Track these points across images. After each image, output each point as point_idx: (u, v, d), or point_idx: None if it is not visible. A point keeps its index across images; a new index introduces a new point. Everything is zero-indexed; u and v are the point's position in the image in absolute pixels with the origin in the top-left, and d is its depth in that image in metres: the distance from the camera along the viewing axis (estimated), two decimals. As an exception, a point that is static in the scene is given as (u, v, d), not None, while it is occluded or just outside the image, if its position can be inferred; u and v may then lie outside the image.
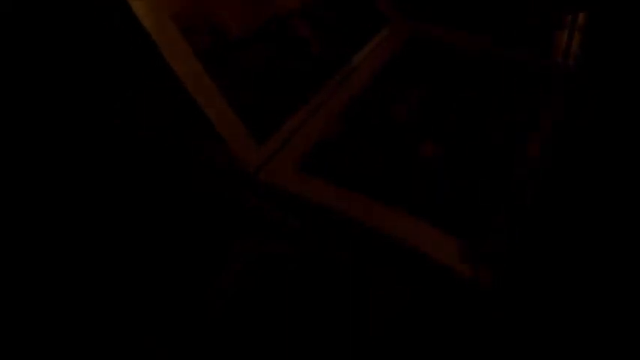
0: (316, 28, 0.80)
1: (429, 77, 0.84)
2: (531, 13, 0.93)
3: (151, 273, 0.59)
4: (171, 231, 0.63)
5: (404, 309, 0.54)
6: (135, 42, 0.59)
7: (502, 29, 0.94)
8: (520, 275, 0.55)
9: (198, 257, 0.61)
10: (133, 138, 0.68)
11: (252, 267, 0.59)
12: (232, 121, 0.62)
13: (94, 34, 0.67)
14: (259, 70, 0.69)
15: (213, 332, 0.54)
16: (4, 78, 0.64)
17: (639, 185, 0.63)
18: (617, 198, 0.62)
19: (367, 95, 0.79)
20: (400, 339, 0.52)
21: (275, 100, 0.69)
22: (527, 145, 0.67)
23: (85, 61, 0.68)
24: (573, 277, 0.56)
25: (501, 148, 0.68)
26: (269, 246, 0.60)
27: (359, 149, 0.68)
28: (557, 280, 0.56)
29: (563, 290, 0.55)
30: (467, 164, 0.66)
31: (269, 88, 0.69)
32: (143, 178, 0.67)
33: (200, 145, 0.65)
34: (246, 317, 0.55)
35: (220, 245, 0.61)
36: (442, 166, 0.66)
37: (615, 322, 0.52)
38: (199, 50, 0.61)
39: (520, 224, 0.57)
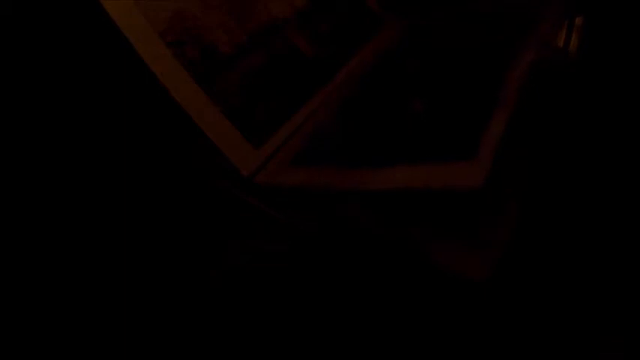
0: (309, 33, 0.80)
1: (426, 76, 0.84)
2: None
3: (148, 273, 0.59)
4: (170, 231, 0.63)
5: (404, 309, 0.54)
6: (126, 53, 0.60)
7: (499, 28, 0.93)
8: (519, 274, 0.55)
9: (196, 257, 0.61)
10: (133, 138, 0.68)
11: (251, 266, 0.59)
12: (226, 129, 0.62)
13: (92, 40, 0.67)
14: (253, 76, 0.69)
15: (212, 332, 0.54)
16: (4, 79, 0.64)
17: (639, 183, 0.63)
18: (617, 197, 0.62)
19: (361, 95, 0.79)
20: (400, 339, 0.52)
21: (270, 104, 0.69)
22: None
23: (85, 62, 0.68)
24: (574, 277, 0.56)
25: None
26: (267, 245, 0.61)
27: (350, 129, 0.69)
28: (558, 279, 0.56)
29: (563, 290, 0.55)
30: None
31: (263, 92, 0.69)
32: (143, 178, 0.67)
33: (199, 145, 0.65)
34: (246, 317, 0.55)
35: (219, 245, 0.62)
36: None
37: (615, 320, 0.52)
38: (190, 63, 0.62)
39: (520, 224, 0.57)
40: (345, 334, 0.53)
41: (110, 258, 0.60)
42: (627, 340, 0.50)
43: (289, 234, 0.60)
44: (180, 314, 0.56)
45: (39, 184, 0.64)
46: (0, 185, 0.62)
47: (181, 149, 0.67)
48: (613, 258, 0.56)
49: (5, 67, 0.64)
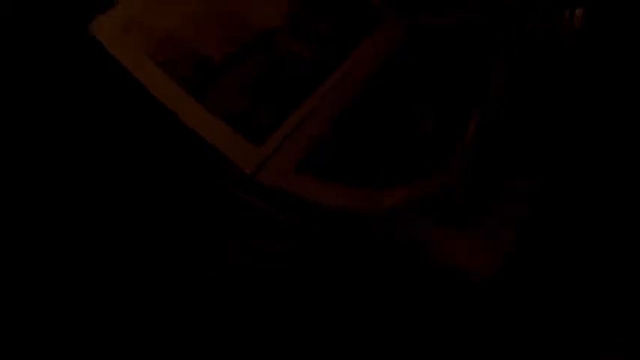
0: (305, 35, 0.80)
1: (426, 81, 0.84)
2: (530, 18, 0.92)
3: (149, 273, 0.59)
4: (170, 231, 0.63)
5: (404, 309, 0.54)
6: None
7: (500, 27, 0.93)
8: (519, 274, 0.55)
9: (196, 257, 0.61)
10: (132, 138, 0.69)
11: (251, 266, 0.59)
12: (226, 133, 0.63)
13: (93, 40, 0.67)
14: (248, 81, 0.70)
15: (213, 332, 0.54)
16: (4, 79, 0.65)
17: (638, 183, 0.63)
18: (617, 196, 0.62)
19: (362, 95, 0.79)
20: (400, 339, 0.52)
21: (268, 106, 0.69)
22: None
23: (85, 62, 0.68)
24: (574, 277, 0.56)
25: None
26: (267, 245, 0.61)
27: (354, 146, 0.69)
28: (558, 279, 0.56)
29: (564, 289, 0.55)
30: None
31: (260, 96, 0.70)
32: (143, 178, 0.67)
33: (199, 145, 0.65)
34: (246, 317, 0.55)
35: (219, 245, 0.62)
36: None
37: (615, 320, 0.52)
38: (182, 80, 0.63)
39: (521, 224, 0.57)
40: (345, 334, 0.53)
41: (110, 258, 0.60)
42: (627, 340, 0.50)
43: (289, 234, 0.60)
44: (181, 314, 0.56)
45: (40, 186, 0.64)
46: (0, 185, 0.62)
47: (181, 149, 0.67)
48: (613, 258, 0.56)
49: (5, 67, 0.64)
